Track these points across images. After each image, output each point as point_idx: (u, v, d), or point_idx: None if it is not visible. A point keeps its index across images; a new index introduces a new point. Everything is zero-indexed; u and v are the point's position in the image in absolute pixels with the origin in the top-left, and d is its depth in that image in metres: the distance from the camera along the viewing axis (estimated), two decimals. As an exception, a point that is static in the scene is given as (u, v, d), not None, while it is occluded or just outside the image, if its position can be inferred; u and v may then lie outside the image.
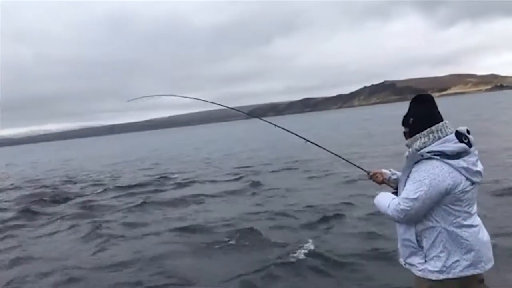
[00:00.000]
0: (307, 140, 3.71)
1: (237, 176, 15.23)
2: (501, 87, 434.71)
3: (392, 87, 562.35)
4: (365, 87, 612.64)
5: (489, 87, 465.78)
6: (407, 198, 2.49)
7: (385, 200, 2.69)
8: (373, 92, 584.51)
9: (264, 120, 4.12)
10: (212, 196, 11.76)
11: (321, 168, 14.50)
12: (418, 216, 2.52)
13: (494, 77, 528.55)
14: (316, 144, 3.70)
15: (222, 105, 4.55)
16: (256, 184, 12.81)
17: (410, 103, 2.70)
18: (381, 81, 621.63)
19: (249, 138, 45.70)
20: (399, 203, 2.53)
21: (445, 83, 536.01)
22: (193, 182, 15.08)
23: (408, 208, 2.48)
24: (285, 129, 3.90)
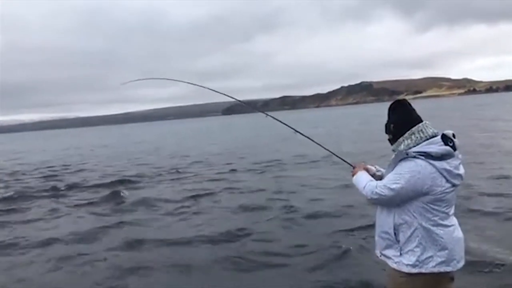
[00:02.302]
0: (296, 131, 3.74)
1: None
2: (474, 91, 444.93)
3: (369, 88, 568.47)
4: (342, 87, 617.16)
5: (462, 91, 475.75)
6: (385, 186, 2.63)
7: (362, 179, 2.83)
8: (351, 92, 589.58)
9: (268, 114, 4.10)
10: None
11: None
12: (388, 205, 2.67)
13: (467, 81, 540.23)
14: (305, 135, 3.72)
15: (230, 96, 4.39)
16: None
17: (388, 111, 2.83)
18: (358, 81, 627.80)
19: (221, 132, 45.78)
20: (376, 186, 2.67)
21: (420, 86, 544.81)
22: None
23: (383, 195, 2.62)
24: (283, 123, 3.91)
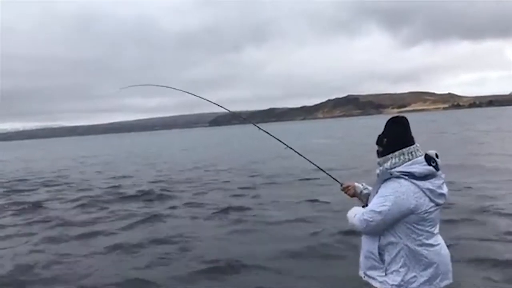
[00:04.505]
0: (287, 146, 3.74)
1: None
2: (458, 106, 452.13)
3: (356, 101, 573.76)
4: (329, 100, 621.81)
5: (446, 105, 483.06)
6: (371, 210, 2.66)
7: (354, 212, 2.86)
8: (337, 105, 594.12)
9: (260, 128, 4.08)
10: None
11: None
12: (378, 229, 2.68)
13: (451, 96, 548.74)
14: (296, 151, 3.75)
15: (223, 107, 4.45)
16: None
17: (386, 124, 2.84)
18: (345, 94, 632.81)
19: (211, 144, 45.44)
20: (363, 214, 2.71)
21: (405, 100, 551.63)
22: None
23: (371, 220, 2.65)
24: (272, 135, 3.91)
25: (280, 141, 3.82)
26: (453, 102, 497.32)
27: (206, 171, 19.46)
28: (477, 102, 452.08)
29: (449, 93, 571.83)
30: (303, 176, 14.72)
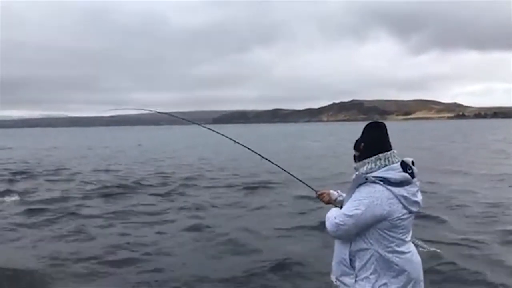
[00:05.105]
0: (262, 157, 3.70)
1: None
2: (463, 116, 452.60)
3: (360, 106, 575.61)
4: (334, 104, 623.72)
5: (451, 115, 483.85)
6: (344, 214, 2.60)
7: (330, 214, 2.77)
8: (342, 109, 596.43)
9: (237, 142, 4.01)
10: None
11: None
12: (350, 233, 2.62)
13: (457, 105, 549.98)
14: (270, 161, 3.69)
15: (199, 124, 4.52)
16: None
17: (364, 129, 2.80)
18: (350, 99, 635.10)
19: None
20: (335, 217, 2.65)
21: (410, 107, 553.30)
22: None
23: (342, 223, 2.58)
24: (243, 145, 3.90)
25: (256, 152, 3.74)
26: (458, 112, 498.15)
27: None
28: (482, 113, 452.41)
29: (455, 103, 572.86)
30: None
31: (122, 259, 6.56)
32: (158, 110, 4.38)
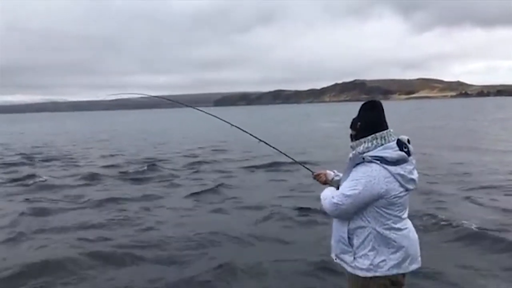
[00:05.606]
0: (260, 140, 3.72)
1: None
2: (465, 94, 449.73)
3: (362, 86, 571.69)
4: (336, 84, 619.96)
5: (454, 93, 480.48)
6: (341, 194, 2.66)
7: (326, 194, 2.83)
8: (344, 89, 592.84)
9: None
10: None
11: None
12: (348, 213, 2.67)
13: (459, 84, 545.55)
14: (267, 144, 3.71)
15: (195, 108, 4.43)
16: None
17: (360, 108, 2.82)
18: (352, 79, 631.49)
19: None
20: (333, 197, 2.70)
21: (412, 87, 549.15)
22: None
23: (340, 203, 2.64)
24: (238, 127, 3.91)
25: (253, 135, 3.77)
26: (461, 90, 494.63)
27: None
28: (485, 91, 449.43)
29: (458, 81, 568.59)
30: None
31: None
32: (153, 95, 4.33)
